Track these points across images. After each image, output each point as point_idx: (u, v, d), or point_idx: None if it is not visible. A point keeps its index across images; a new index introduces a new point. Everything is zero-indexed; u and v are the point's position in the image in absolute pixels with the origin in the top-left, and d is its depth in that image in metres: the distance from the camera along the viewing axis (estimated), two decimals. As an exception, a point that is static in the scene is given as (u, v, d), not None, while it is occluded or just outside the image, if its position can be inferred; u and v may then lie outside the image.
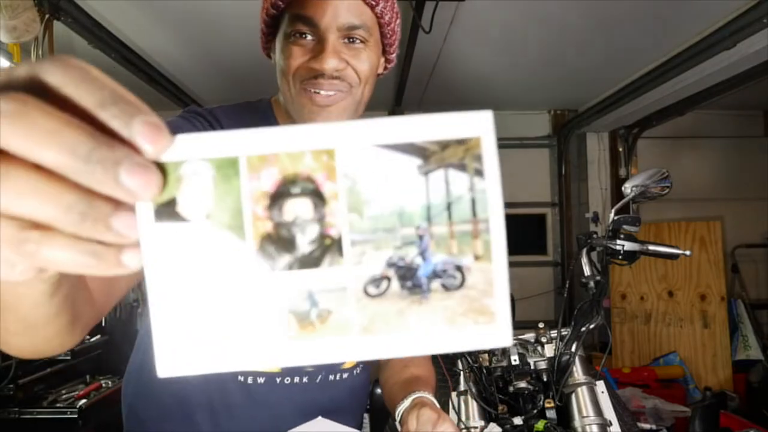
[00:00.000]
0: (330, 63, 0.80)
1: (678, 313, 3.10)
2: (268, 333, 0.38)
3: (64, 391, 2.43)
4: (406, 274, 0.39)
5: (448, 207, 0.39)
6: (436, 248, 0.39)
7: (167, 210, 0.37)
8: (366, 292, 0.38)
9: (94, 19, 1.68)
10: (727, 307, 3.02)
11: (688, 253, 1.74)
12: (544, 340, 1.71)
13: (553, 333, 1.56)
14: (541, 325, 1.74)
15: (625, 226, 1.75)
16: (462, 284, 0.39)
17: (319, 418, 0.90)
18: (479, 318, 0.39)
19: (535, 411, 1.58)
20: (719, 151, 3.42)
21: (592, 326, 1.69)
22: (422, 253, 0.39)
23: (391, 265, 0.39)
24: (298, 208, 0.38)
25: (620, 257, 1.71)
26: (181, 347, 0.37)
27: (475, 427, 1.58)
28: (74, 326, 0.50)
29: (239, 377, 0.97)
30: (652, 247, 1.66)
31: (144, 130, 0.31)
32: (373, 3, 0.84)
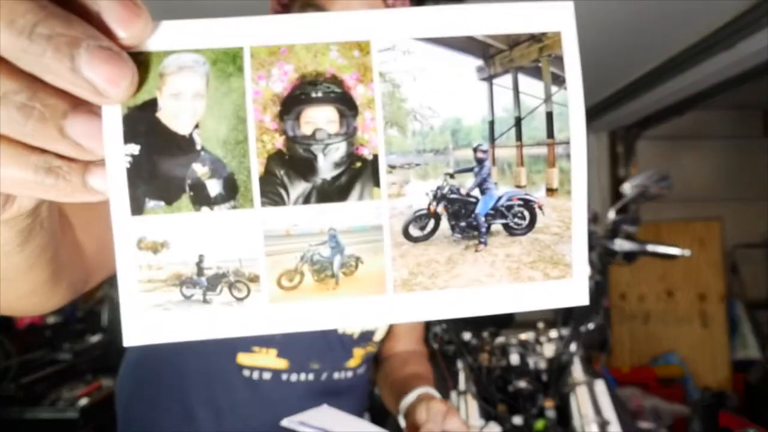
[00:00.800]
0: None
1: (677, 313, 3.06)
2: (263, 290, 0.28)
3: (65, 391, 2.36)
4: (460, 211, 0.29)
5: (517, 123, 0.29)
6: (499, 177, 0.30)
7: (143, 116, 0.27)
8: (407, 234, 0.29)
9: None
10: (726, 306, 2.99)
11: (687, 253, 1.68)
12: (543, 340, 1.66)
13: (553, 333, 1.49)
14: (540, 325, 1.68)
15: (624, 226, 1.70)
16: (531, 226, 0.30)
17: (324, 405, 0.83)
18: (551, 270, 0.30)
19: (534, 411, 1.52)
20: (719, 152, 3.40)
21: (591, 326, 1.64)
22: (481, 184, 0.30)
23: (440, 198, 0.29)
24: (319, 117, 0.28)
25: (619, 257, 1.66)
26: (150, 310, 0.27)
27: (475, 427, 1.52)
28: (56, 284, 0.44)
29: (244, 371, 0.92)
30: (651, 248, 1.63)
31: (114, 4, 0.24)
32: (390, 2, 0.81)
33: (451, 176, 0.29)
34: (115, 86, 0.25)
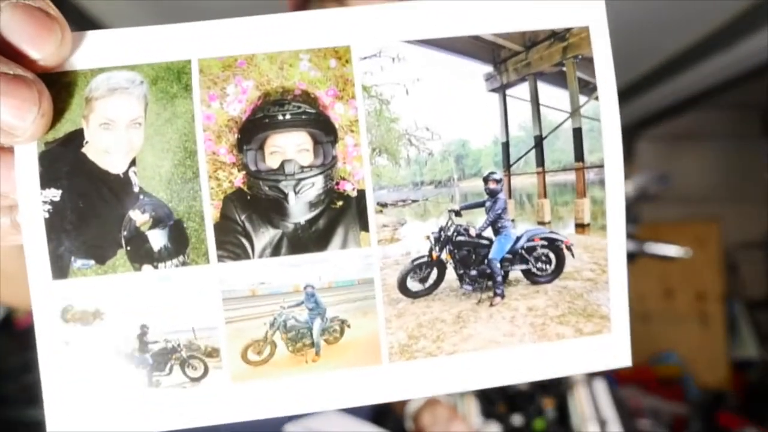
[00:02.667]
0: None
1: (676, 313, 3.03)
2: (221, 367, 0.23)
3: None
4: (470, 257, 0.24)
5: (538, 144, 0.23)
6: (517, 213, 0.24)
7: (65, 152, 0.22)
8: (404, 289, 0.23)
9: (96, 20, 1.56)
10: (725, 306, 2.96)
11: (687, 254, 1.64)
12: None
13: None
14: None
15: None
16: (558, 271, 0.24)
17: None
18: (585, 324, 0.24)
19: (534, 410, 1.50)
20: (718, 152, 3.37)
21: None
22: (495, 222, 0.24)
23: (444, 241, 0.23)
24: (288, 146, 0.22)
25: None
26: (81, 396, 0.22)
27: (475, 426, 1.49)
28: None
29: None
30: (651, 249, 1.59)
31: (17, 19, 0.19)
32: None
33: (458, 214, 0.23)
34: (20, 120, 0.19)
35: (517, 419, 1.52)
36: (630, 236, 1.63)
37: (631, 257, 1.66)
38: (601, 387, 1.61)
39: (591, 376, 1.55)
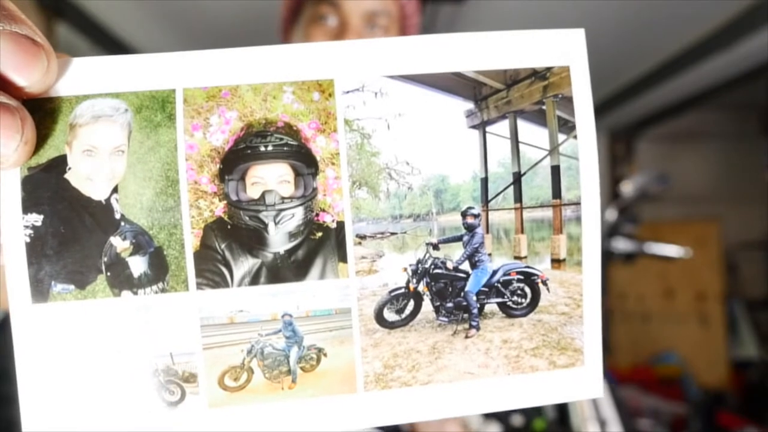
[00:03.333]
0: None
1: (676, 313, 3.04)
2: (197, 392, 0.23)
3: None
4: (446, 290, 0.24)
5: (516, 181, 0.24)
6: (494, 247, 0.24)
7: (48, 178, 0.22)
8: (381, 319, 0.23)
9: (97, 20, 1.55)
10: (725, 306, 2.97)
11: (687, 254, 1.65)
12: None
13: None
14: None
15: (624, 226, 1.67)
16: (533, 305, 0.24)
17: None
18: (558, 357, 0.24)
19: (534, 410, 1.50)
20: (718, 152, 3.37)
21: None
22: (472, 256, 0.24)
23: (421, 274, 0.24)
24: (269, 177, 0.23)
25: (619, 258, 1.64)
26: (58, 417, 0.22)
27: (474, 426, 1.49)
28: None
29: None
30: (650, 249, 1.60)
31: (4, 46, 0.20)
32: None
33: (435, 247, 0.24)
34: (3, 148, 0.19)
35: (517, 419, 1.52)
36: (630, 236, 1.63)
37: (631, 257, 1.66)
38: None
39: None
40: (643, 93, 2.61)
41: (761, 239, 3.23)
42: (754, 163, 3.17)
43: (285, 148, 0.22)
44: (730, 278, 3.21)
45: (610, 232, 1.70)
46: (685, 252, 1.69)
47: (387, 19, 0.79)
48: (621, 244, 1.67)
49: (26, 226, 0.22)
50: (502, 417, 1.58)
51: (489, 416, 1.59)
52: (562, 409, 1.66)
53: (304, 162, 0.23)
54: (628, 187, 1.82)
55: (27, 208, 0.22)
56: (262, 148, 0.22)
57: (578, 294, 0.24)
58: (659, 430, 2.47)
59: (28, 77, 0.20)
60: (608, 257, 1.71)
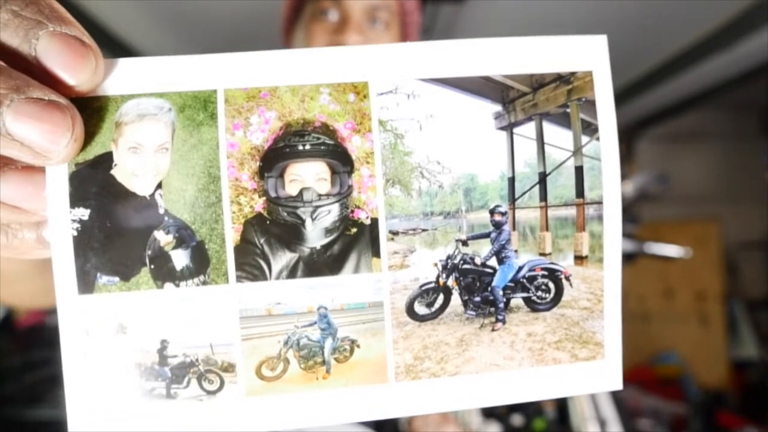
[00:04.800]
0: (352, 38, 0.75)
1: (676, 313, 3.06)
2: (236, 382, 0.24)
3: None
4: (474, 284, 0.25)
5: (542, 180, 0.25)
6: (520, 244, 0.25)
7: (95, 173, 0.23)
8: (412, 312, 0.24)
9: (97, 20, 1.56)
10: (725, 306, 2.99)
11: (687, 254, 1.67)
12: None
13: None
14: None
15: (623, 226, 1.69)
16: (557, 300, 0.25)
17: None
18: (580, 350, 0.25)
19: (534, 410, 1.50)
20: (718, 152, 3.40)
21: None
22: (499, 252, 0.25)
23: (451, 269, 0.25)
24: (307, 174, 0.24)
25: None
26: (103, 408, 0.23)
27: (474, 426, 1.49)
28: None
29: None
30: (650, 249, 1.61)
31: (55, 46, 0.21)
32: None
33: (464, 243, 0.25)
34: (54, 144, 0.20)
35: (516, 419, 1.52)
36: (630, 236, 1.64)
37: (631, 257, 1.67)
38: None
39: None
40: (643, 93, 2.63)
41: (761, 239, 3.25)
42: (754, 163, 3.20)
43: (322, 147, 0.23)
44: (730, 278, 3.23)
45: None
46: (685, 252, 1.70)
47: (388, 14, 0.80)
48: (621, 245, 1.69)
49: (74, 220, 0.23)
50: (502, 417, 1.59)
51: (489, 416, 1.60)
52: (562, 409, 1.66)
53: (340, 161, 0.24)
54: (628, 187, 1.84)
55: (74, 202, 0.23)
56: (300, 147, 0.23)
57: (599, 290, 0.25)
58: (659, 430, 2.48)
59: (77, 77, 0.21)
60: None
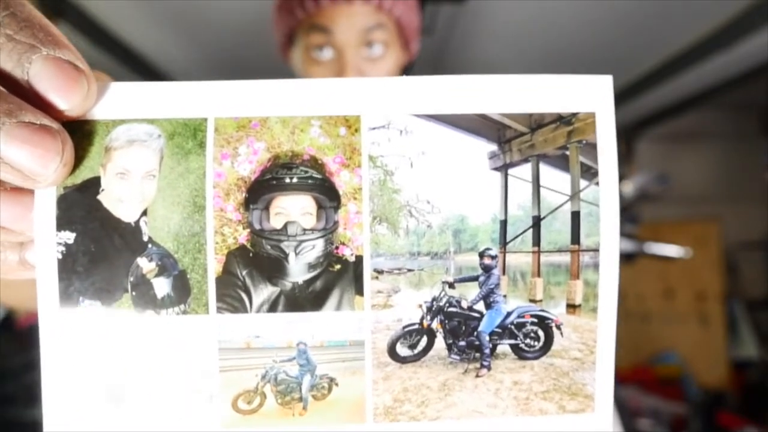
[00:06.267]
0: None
1: (676, 313, 3.00)
2: (212, 414, 0.23)
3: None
4: (460, 328, 0.24)
5: (535, 224, 0.24)
6: (509, 289, 0.24)
7: (82, 198, 0.23)
8: (393, 353, 0.24)
9: (97, 20, 1.59)
10: (725, 306, 2.93)
11: (687, 254, 1.63)
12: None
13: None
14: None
15: (624, 226, 1.66)
16: (546, 348, 0.24)
17: None
18: (568, 402, 0.24)
19: None
20: (718, 152, 3.33)
21: None
22: (487, 296, 0.24)
23: (436, 311, 0.24)
24: (292, 208, 0.23)
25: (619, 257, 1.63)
26: (75, 414, 0.23)
27: None
28: None
29: None
30: (650, 249, 1.57)
31: (47, 71, 0.21)
32: (389, 8, 0.77)
33: (451, 286, 0.24)
34: (43, 168, 0.20)
35: None
36: (630, 236, 1.61)
37: (631, 257, 1.64)
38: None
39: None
40: (643, 93, 2.59)
41: (761, 239, 3.17)
42: (754, 163, 3.11)
43: (309, 181, 0.23)
44: (730, 278, 3.16)
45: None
46: (685, 252, 1.67)
47: (383, 33, 0.77)
48: (621, 244, 1.66)
49: (59, 243, 0.23)
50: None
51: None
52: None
53: (327, 195, 0.23)
54: (628, 187, 1.81)
55: (61, 225, 0.23)
56: (287, 180, 0.23)
57: (592, 340, 0.24)
58: (659, 430, 2.45)
59: (69, 101, 0.21)
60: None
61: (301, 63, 0.80)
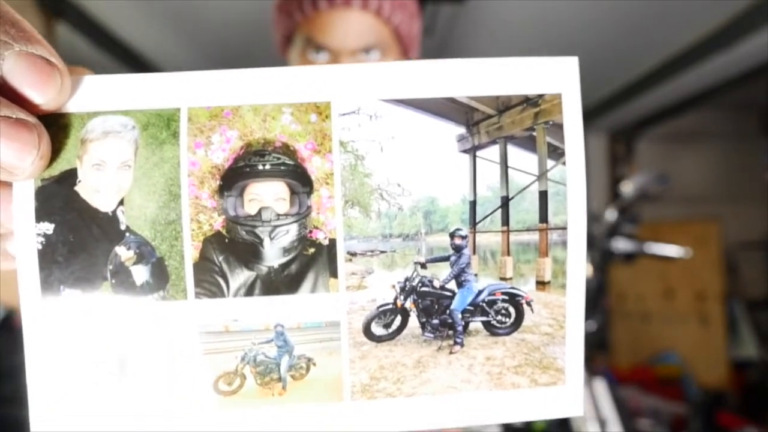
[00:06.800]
0: None
1: (676, 313, 3.03)
2: (193, 396, 0.24)
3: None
4: (432, 307, 0.25)
5: (504, 204, 0.24)
6: (480, 268, 0.25)
7: (60, 189, 0.23)
8: (369, 333, 0.25)
9: (97, 20, 1.58)
10: (725, 306, 2.95)
11: (687, 254, 1.64)
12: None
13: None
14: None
15: (623, 226, 1.67)
16: (517, 324, 0.25)
17: None
18: (540, 376, 0.25)
19: None
20: (718, 152, 3.33)
21: (592, 326, 1.62)
22: (458, 275, 0.25)
23: (409, 291, 0.25)
24: (266, 194, 0.24)
25: (619, 258, 1.64)
26: (60, 400, 0.24)
27: (475, 426, 1.50)
28: None
29: None
30: (650, 249, 1.59)
31: (20, 66, 0.21)
32: (388, 16, 0.76)
33: (423, 266, 0.24)
34: (20, 161, 0.21)
35: None
36: (630, 236, 1.62)
37: (631, 257, 1.66)
38: (601, 387, 1.61)
39: (591, 376, 1.55)
40: (643, 93, 2.59)
41: (761, 239, 3.19)
42: (754, 163, 3.13)
43: (282, 168, 0.24)
44: (730, 278, 3.18)
45: (610, 232, 1.70)
46: (685, 252, 1.68)
47: (381, 40, 0.76)
48: (621, 244, 1.67)
49: (39, 234, 0.23)
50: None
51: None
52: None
53: (300, 181, 0.24)
54: (628, 187, 1.82)
55: (39, 217, 0.23)
56: (260, 167, 0.24)
57: (561, 315, 0.25)
58: (659, 430, 2.47)
59: (43, 95, 0.21)
60: (608, 257, 1.70)
61: (298, 64, 0.80)
